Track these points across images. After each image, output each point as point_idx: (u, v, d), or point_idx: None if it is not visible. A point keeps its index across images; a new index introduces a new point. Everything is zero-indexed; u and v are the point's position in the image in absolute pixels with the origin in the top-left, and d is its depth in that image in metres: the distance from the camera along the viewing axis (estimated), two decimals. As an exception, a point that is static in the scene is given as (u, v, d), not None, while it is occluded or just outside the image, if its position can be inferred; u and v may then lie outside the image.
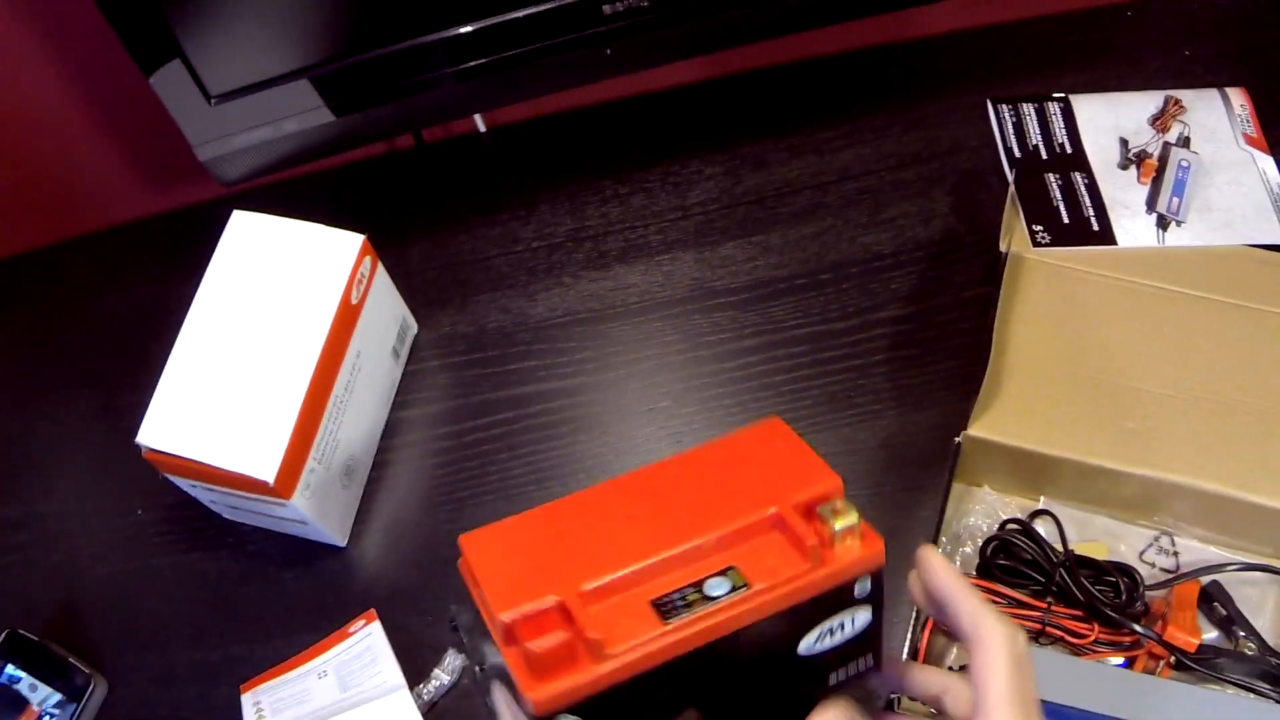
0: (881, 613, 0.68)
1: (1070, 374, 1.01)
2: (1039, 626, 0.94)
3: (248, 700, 1.03)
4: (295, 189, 1.27)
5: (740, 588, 0.62)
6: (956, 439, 0.98)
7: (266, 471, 0.95)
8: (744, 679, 0.66)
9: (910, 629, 0.93)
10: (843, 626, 0.66)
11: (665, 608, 0.62)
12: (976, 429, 0.97)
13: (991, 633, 0.64)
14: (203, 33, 0.96)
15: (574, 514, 0.70)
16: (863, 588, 0.65)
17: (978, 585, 0.96)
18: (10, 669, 1.05)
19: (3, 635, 1.06)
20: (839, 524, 0.63)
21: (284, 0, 0.96)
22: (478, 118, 1.32)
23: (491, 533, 0.67)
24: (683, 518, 0.66)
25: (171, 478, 1.02)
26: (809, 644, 0.66)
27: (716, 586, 0.63)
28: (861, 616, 0.67)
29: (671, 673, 0.61)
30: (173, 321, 1.01)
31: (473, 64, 1.05)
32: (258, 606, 1.10)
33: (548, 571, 0.63)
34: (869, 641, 0.68)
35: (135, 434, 0.97)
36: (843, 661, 0.68)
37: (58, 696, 1.05)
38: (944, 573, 0.67)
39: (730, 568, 0.64)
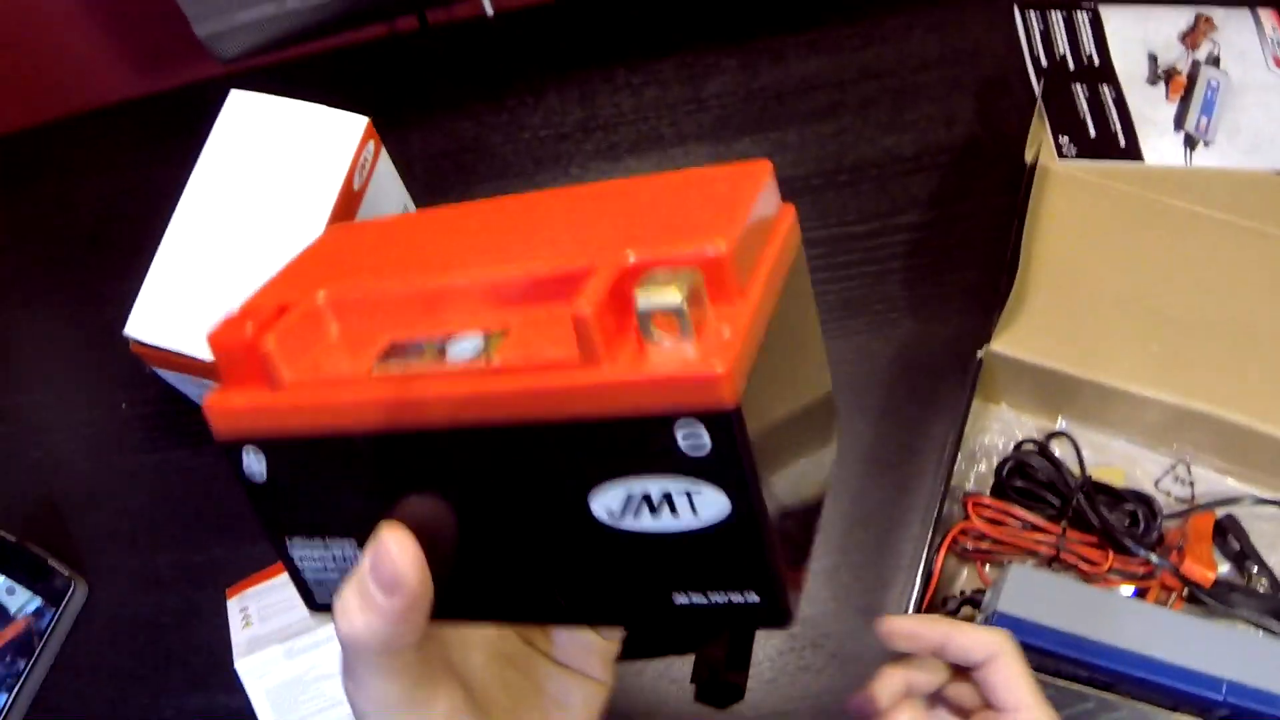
0: (756, 514, 0.41)
1: (1095, 293, 0.99)
2: (1053, 552, 0.92)
3: (234, 605, 1.01)
4: (292, 70, 1.23)
5: (484, 357, 0.43)
6: (979, 353, 0.95)
7: (260, 367, 0.91)
8: (506, 509, 0.45)
9: (925, 550, 0.91)
10: (669, 503, 0.41)
11: (394, 354, 0.45)
12: (1000, 344, 0.95)
13: (997, 648, 0.68)
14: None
15: (436, 223, 0.55)
16: (693, 439, 0.39)
17: (995, 505, 0.94)
18: (-11, 575, 1.04)
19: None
20: (646, 300, 0.39)
21: None
22: (485, 0, 1.27)
23: (355, 229, 0.55)
24: (521, 245, 0.48)
25: (159, 371, 0.98)
26: (608, 506, 0.42)
27: (463, 348, 0.44)
28: (709, 500, 0.40)
29: (384, 448, 0.44)
30: (162, 208, 0.97)
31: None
32: (245, 507, 1.06)
33: (322, 275, 0.51)
34: (739, 558, 0.42)
35: (120, 325, 0.93)
36: (687, 572, 0.43)
37: (37, 600, 1.03)
38: (923, 629, 0.70)
39: (500, 333, 0.44)
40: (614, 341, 0.40)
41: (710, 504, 0.40)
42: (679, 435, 0.39)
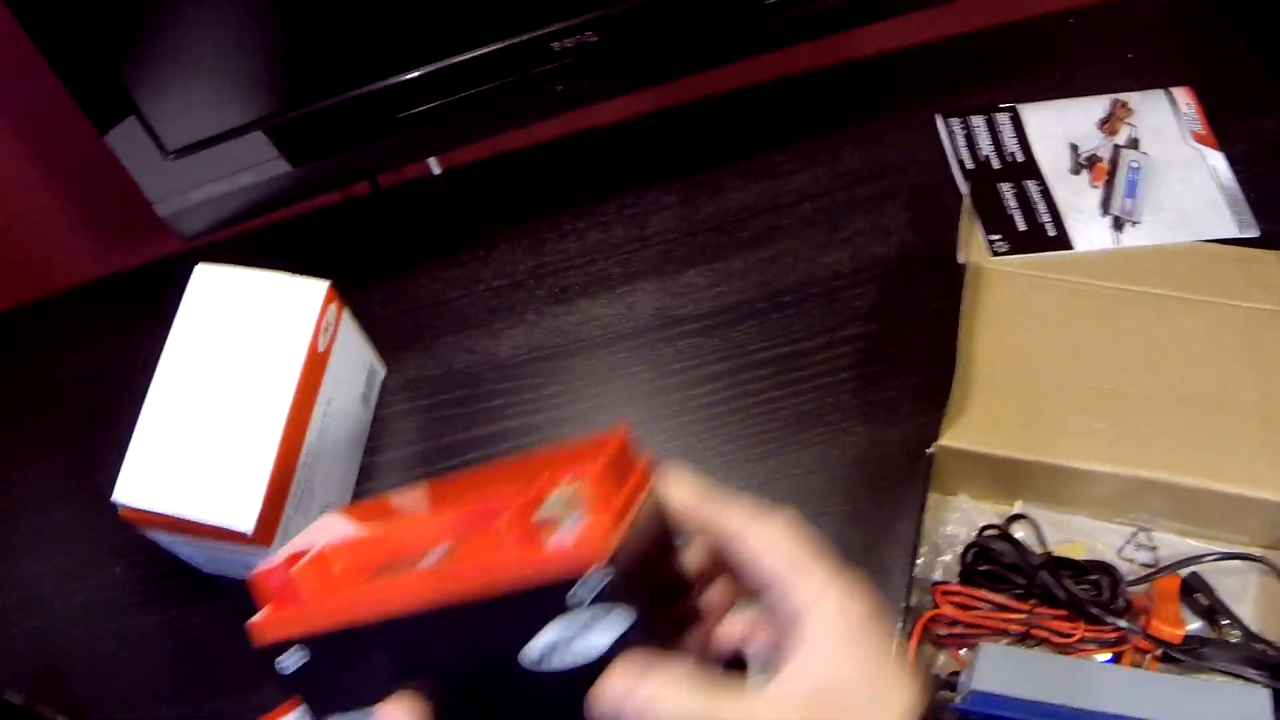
0: (642, 636, 0.54)
1: (1036, 379, 1.02)
2: (1024, 628, 0.94)
3: (236, 757, 1.02)
4: (256, 240, 1.25)
5: (446, 557, 0.59)
6: (929, 450, 0.98)
7: (245, 522, 0.94)
8: (469, 676, 0.59)
9: (895, 640, 0.93)
10: (571, 642, 0.55)
11: (384, 570, 0.61)
12: (948, 438, 0.97)
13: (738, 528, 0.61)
14: (157, 88, 0.95)
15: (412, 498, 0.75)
16: (581, 593, 0.53)
17: (962, 591, 0.97)
18: (-4, 739, 1.04)
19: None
20: (546, 511, 0.56)
21: (234, 54, 0.96)
22: (432, 161, 1.31)
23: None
24: (467, 494, 0.69)
25: (150, 534, 1.01)
26: (532, 656, 0.55)
27: (431, 558, 0.59)
28: (599, 635, 0.54)
29: (384, 637, 0.59)
30: (139, 380, 1.00)
31: (425, 108, 1.04)
32: (240, 660, 1.07)
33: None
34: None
35: (107, 493, 0.96)
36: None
37: (46, 761, 1.03)
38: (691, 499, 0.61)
39: (454, 543, 0.59)
40: (524, 538, 0.54)
41: (600, 638, 0.54)
42: (575, 591, 0.53)
